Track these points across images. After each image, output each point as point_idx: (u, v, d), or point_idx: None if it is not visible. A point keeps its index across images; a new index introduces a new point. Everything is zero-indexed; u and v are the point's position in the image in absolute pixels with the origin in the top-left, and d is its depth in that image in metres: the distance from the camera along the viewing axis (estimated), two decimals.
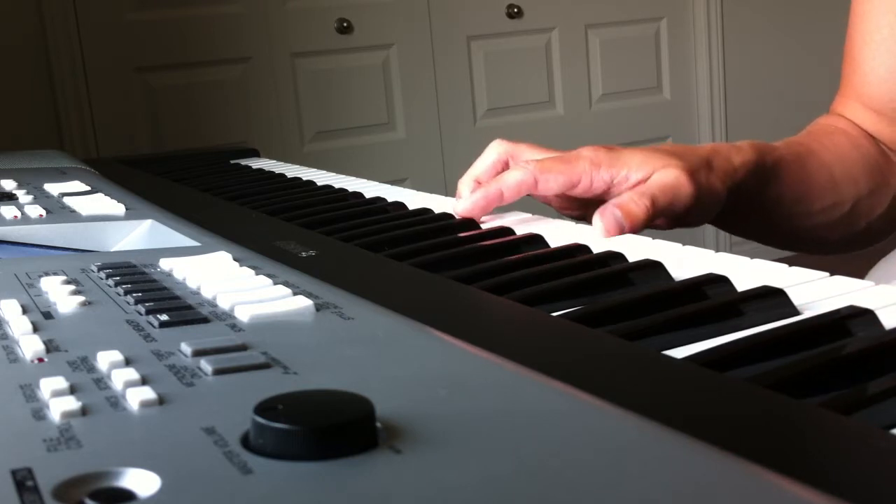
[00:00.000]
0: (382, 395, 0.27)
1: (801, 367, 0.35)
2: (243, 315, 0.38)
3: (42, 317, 0.39)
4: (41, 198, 0.74)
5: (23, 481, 0.23)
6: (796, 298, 0.43)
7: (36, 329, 0.37)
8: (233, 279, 0.44)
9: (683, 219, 0.66)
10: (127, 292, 0.42)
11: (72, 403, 0.28)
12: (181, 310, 0.39)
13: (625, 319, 0.42)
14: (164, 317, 0.38)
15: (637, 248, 0.56)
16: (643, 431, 0.26)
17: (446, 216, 0.69)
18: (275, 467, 0.24)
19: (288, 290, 0.41)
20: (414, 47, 2.71)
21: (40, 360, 0.33)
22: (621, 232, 0.61)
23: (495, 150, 0.72)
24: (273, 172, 1.04)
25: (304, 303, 0.39)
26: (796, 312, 0.43)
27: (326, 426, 0.24)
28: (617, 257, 0.53)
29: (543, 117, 2.89)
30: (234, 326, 0.37)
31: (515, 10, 2.82)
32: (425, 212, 0.71)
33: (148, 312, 0.39)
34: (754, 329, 0.41)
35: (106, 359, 0.32)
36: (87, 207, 0.68)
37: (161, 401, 0.28)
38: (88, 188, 0.78)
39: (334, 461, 0.24)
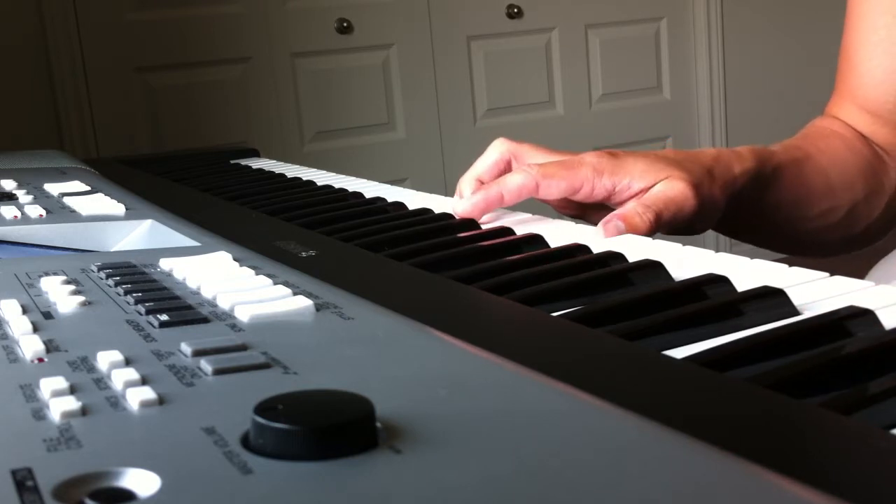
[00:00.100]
0: (382, 395, 0.27)
1: (801, 367, 0.35)
2: (243, 315, 0.38)
3: (42, 317, 0.39)
4: (41, 198, 0.74)
5: (23, 481, 0.23)
6: (796, 298, 0.43)
7: (36, 329, 0.37)
8: (233, 279, 0.44)
9: (684, 229, 0.66)
10: (127, 292, 0.42)
11: (72, 403, 0.28)
12: (181, 310, 0.39)
13: (625, 319, 0.42)
14: (164, 317, 0.38)
15: (637, 248, 0.56)
16: (643, 431, 0.26)
17: (446, 216, 0.69)
18: (275, 467, 0.24)
19: (288, 290, 0.41)
20: (414, 47, 2.71)
21: (40, 360, 0.33)
22: None
23: (497, 150, 0.71)
24: (273, 172, 1.04)
25: (304, 303, 0.39)
26: (796, 312, 0.43)
27: (326, 426, 0.24)
28: (617, 257, 0.53)
29: (543, 117, 2.89)
30: (234, 326, 0.37)
31: (515, 10, 2.82)
32: (425, 212, 0.71)
33: (148, 312, 0.39)
34: (754, 329, 0.41)
35: (106, 359, 0.32)
36: (87, 207, 0.68)
37: (161, 401, 0.28)
38: (88, 188, 0.78)
39: (334, 461, 0.24)
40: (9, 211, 0.67)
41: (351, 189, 0.86)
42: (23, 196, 0.74)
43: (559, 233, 0.63)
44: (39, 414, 0.28)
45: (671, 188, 0.64)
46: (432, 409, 0.28)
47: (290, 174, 1.00)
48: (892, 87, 0.81)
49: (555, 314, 0.44)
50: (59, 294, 0.42)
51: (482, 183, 0.70)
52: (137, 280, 0.45)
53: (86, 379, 0.31)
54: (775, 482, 0.22)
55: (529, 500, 0.22)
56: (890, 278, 0.78)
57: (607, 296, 0.48)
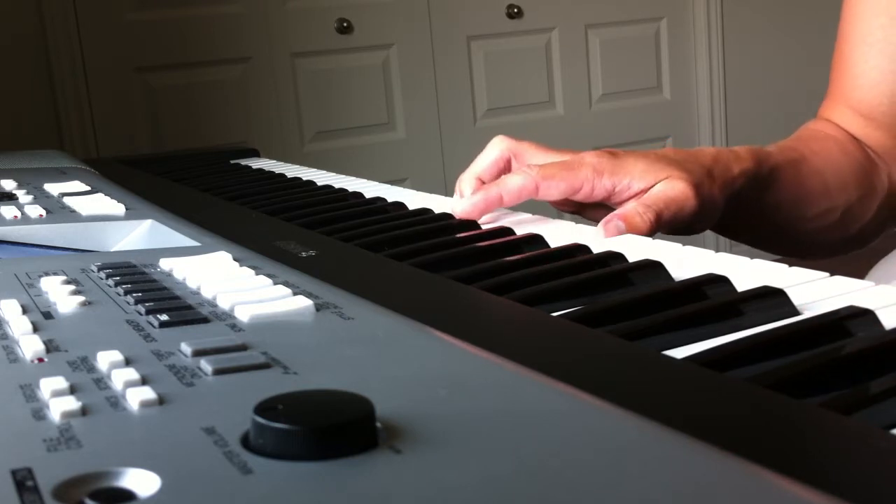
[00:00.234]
0: (382, 395, 0.27)
1: (801, 367, 0.35)
2: (243, 315, 0.38)
3: (42, 317, 0.39)
4: (41, 198, 0.74)
5: (23, 481, 0.23)
6: (796, 298, 0.43)
7: (36, 329, 0.37)
8: (233, 279, 0.44)
9: (684, 229, 0.67)
10: (127, 292, 0.42)
11: (72, 403, 0.28)
12: (181, 310, 0.39)
13: (625, 319, 0.42)
14: (164, 317, 0.38)
15: (637, 248, 0.56)
16: (643, 431, 0.26)
17: (446, 216, 0.69)
18: (275, 467, 0.24)
19: (288, 290, 0.41)
20: (414, 47, 2.71)
21: (40, 360, 0.33)
22: None
23: (497, 148, 0.71)
24: (273, 172, 1.04)
25: (304, 303, 0.39)
26: (796, 312, 0.43)
27: (326, 426, 0.24)
28: (617, 257, 0.53)
29: (543, 117, 2.89)
30: (234, 326, 0.37)
31: (515, 10, 2.82)
32: (425, 212, 0.71)
33: (148, 312, 0.39)
34: (754, 329, 0.41)
35: (106, 359, 0.32)
36: (87, 207, 0.68)
37: (161, 401, 0.28)
38: (88, 188, 0.78)
39: (334, 461, 0.24)
40: (9, 211, 0.67)
41: (351, 189, 0.86)
42: (23, 196, 0.74)
43: (559, 233, 0.63)
44: (39, 414, 0.28)
45: (671, 188, 0.64)
46: (432, 409, 0.28)
47: (290, 174, 1.00)
48: (886, 89, 0.81)
49: (555, 314, 0.44)
50: (59, 294, 0.42)
51: (482, 182, 0.70)
52: (137, 280, 0.45)
53: (86, 379, 0.31)
54: (775, 482, 0.22)
55: (529, 500, 0.22)
56: (890, 278, 0.78)
57: (607, 296, 0.48)
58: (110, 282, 0.45)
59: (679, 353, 0.38)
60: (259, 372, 0.31)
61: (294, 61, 2.58)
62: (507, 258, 0.56)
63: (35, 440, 0.26)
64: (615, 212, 0.63)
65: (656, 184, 0.65)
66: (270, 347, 0.34)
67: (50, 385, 0.29)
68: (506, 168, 0.71)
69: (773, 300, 0.43)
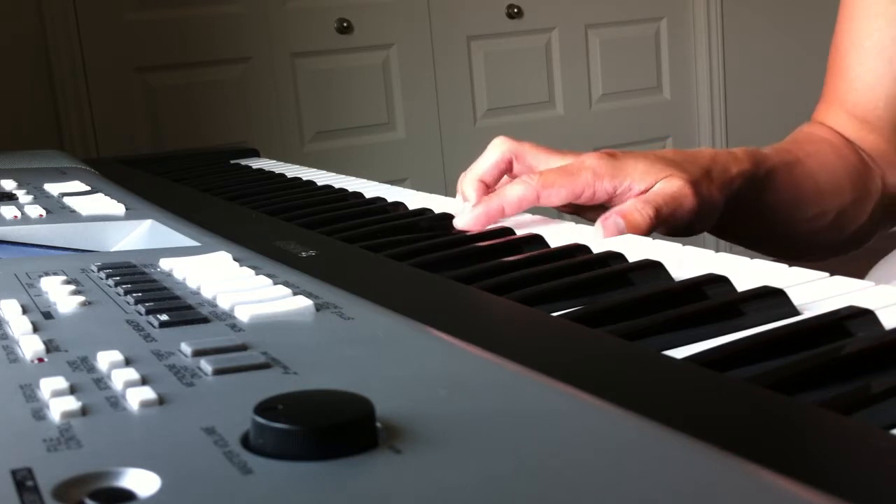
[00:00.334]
0: (382, 395, 0.27)
1: (801, 367, 0.35)
2: (243, 315, 0.38)
3: (42, 317, 0.39)
4: (41, 198, 0.74)
5: (23, 481, 0.23)
6: (796, 298, 0.43)
7: (36, 329, 0.37)
8: (233, 279, 0.44)
9: (683, 229, 0.67)
10: (127, 292, 0.42)
11: (72, 403, 0.28)
12: (181, 310, 0.39)
13: (625, 319, 0.42)
14: (164, 317, 0.38)
15: (637, 248, 0.56)
16: (643, 431, 0.26)
17: (446, 216, 0.69)
18: (275, 467, 0.24)
19: (288, 290, 0.41)
20: (414, 47, 2.71)
21: (40, 360, 0.33)
22: None
23: (498, 149, 0.71)
24: (273, 172, 1.04)
25: (304, 303, 0.39)
26: (796, 312, 0.43)
27: (326, 426, 0.24)
28: (617, 257, 0.53)
29: (543, 117, 2.88)
30: (234, 326, 0.37)
31: (515, 10, 2.82)
32: (425, 212, 0.71)
33: (148, 312, 0.39)
34: (754, 329, 0.41)
35: (106, 359, 0.32)
36: (87, 207, 0.68)
37: (161, 401, 0.28)
38: (88, 188, 0.78)
39: (334, 461, 0.24)
40: (9, 211, 0.67)
41: (351, 189, 0.86)
42: (23, 196, 0.74)
43: (559, 233, 0.63)
44: (39, 414, 0.28)
45: (670, 185, 0.64)
46: (432, 409, 0.28)
47: (290, 174, 1.00)
48: (882, 92, 0.81)
49: (555, 314, 0.44)
50: (59, 294, 0.42)
51: (485, 184, 0.70)
52: (137, 280, 0.45)
53: (86, 379, 0.31)
54: (775, 482, 0.22)
55: (529, 500, 0.22)
56: (890, 278, 0.78)
57: (607, 296, 0.48)
58: (110, 282, 0.45)
59: (679, 353, 0.38)
60: (259, 372, 0.31)
61: (294, 61, 2.58)
62: (507, 258, 0.56)
63: (35, 440, 0.26)
64: (613, 209, 0.63)
65: (656, 183, 0.65)
66: (270, 347, 0.34)
67: (50, 385, 0.29)
68: (507, 169, 0.71)
69: (773, 300, 0.43)
